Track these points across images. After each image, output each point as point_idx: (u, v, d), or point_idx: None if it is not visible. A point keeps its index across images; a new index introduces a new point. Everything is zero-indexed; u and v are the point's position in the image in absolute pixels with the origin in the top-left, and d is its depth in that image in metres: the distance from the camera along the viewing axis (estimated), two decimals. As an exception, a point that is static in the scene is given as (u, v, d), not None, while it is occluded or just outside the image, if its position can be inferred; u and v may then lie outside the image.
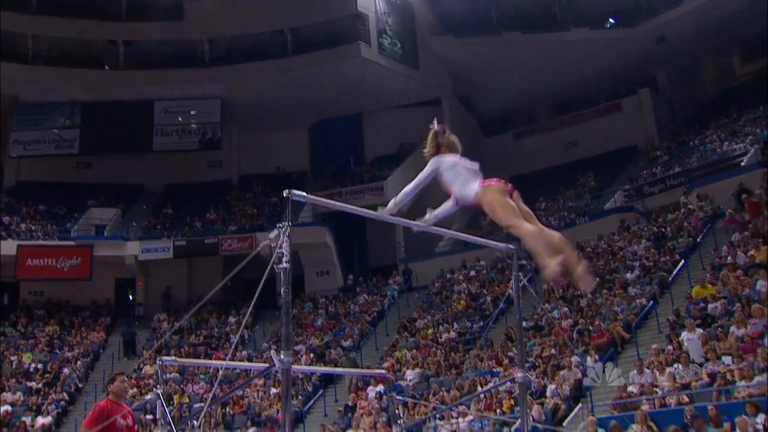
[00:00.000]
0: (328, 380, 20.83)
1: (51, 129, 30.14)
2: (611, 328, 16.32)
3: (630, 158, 28.34)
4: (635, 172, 26.58)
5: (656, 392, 13.16)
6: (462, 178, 5.50)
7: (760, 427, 10.68)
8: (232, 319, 26.05)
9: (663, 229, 20.66)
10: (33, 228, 28.08)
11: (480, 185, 5.38)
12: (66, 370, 23.37)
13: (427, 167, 5.62)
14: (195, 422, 7.02)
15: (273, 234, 5.30)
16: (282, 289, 5.28)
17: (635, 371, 13.93)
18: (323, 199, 6.44)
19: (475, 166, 5.62)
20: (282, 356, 5.15)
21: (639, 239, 20.85)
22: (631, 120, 29.83)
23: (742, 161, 21.51)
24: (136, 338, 26.06)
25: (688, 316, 14.95)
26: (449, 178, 5.54)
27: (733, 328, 13.49)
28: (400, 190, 5.97)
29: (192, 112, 30.93)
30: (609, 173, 28.09)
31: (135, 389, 21.81)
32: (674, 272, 18.07)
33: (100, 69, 30.52)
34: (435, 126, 5.81)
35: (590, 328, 16.82)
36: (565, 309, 18.66)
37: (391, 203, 5.78)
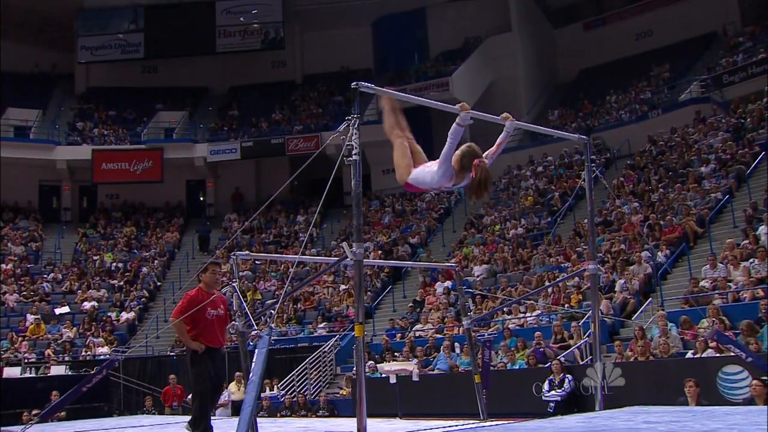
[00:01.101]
0: (396, 276, 21.20)
1: (116, 34, 30.38)
2: (683, 222, 15.95)
3: (708, 46, 26.74)
4: (714, 60, 25.16)
5: (730, 287, 12.93)
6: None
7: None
8: (300, 218, 26.56)
9: (742, 120, 19.72)
10: (105, 133, 28.86)
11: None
12: (144, 269, 24.47)
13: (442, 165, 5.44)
14: (273, 312, 7.29)
15: (342, 127, 5.27)
16: (352, 182, 5.29)
17: (708, 266, 13.67)
18: (391, 91, 6.29)
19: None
20: (354, 248, 5.20)
21: (716, 131, 20.01)
22: (711, 3, 27.96)
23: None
24: (210, 235, 27.00)
25: (766, 210, 14.44)
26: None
27: (813, 221, 13.01)
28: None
29: (254, 12, 30.59)
30: (685, 63, 26.69)
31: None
32: (753, 165, 17.36)
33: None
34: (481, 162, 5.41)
35: (661, 222, 16.47)
36: (636, 204, 18.27)
37: (462, 114, 5.48)
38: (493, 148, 5.83)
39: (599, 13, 31.68)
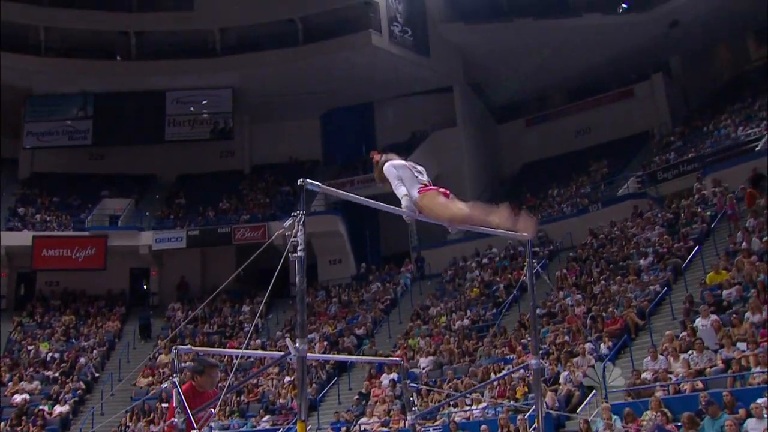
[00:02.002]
0: (342, 368, 20.92)
1: (64, 120, 30.30)
2: (625, 314, 16.30)
3: (643, 144, 28.16)
4: (648, 158, 26.41)
5: (670, 379, 13.14)
6: (408, 181, 5.81)
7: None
8: (245, 308, 26.19)
9: (677, 215, 20.55)
10: (48, 219, 28.32)
11: (418, 192, 5.74)
12: (82, 359, 23.59)
13: (388, 176, 5.86)
14: (211, 410, 7.04)
15: (287, 223, 5.32)
16: (297, 278, 5.30)
17: (649, 358, 13.91)
18: (338, 190, 6.44)
19: (422, 170, 5.95)
20: (297, 344, 5.19)
21: (652, 225, 20.76)
22: (644, 105, 29.60)
23: (756, 146, 21.32)
24: (152, 322, 26.39)
25: (703, 303, 14.88)
26: (402, 176, 5.84)
27: (748, 314, 13.42)
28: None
29: (203, 102, 30.98)
30: (622, 159, 27.93)
31: (151, 378, 22.02)
32: (688, 258, 17.99)
33: (111, 60, 30.69)
34: (375, 157, 6.11)
35: (604, 314, 16.80)
36: (579, 296, 18.63)
37: (405, 200, 5.81)
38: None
39: (541, 110, 33.16)
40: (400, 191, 5.78)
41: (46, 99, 30.30)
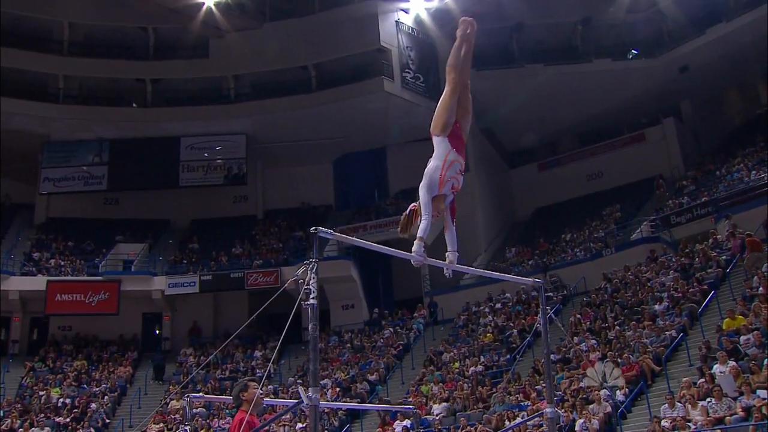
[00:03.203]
0: (354, 414, 20.69)
1: (80, 166, 30.66)
2: (640, 360, 16.08)
3: (655, 188, 28.11)
4: (661, 202, 26.35)
5: (689, 427, 12.90)
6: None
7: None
8: (257, 353, 26.07)
9: (691, 260, 20.40)
10: (62, 264, 28.48)
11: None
12: (93, 405, 23.44)
13: (425, 201, 5.95)
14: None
15: (300, 270, 5.36)
16: (309, 325, 5.32)
17: (666, 405, 13.68)
18: (350, 237, 6.53)
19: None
20: (310, 393, 5.18)
21: (667, 270, 20.59)
22: (656, 150, 29.67)
23: (770, 189, 21.25)
24: (165, 364, 26.49)
25: (720, 349, 14.68)
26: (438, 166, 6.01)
27: (767, 361, 13.21)
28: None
29: (217, 148, 31.31)
30: (634, 204, 27.88)
31: (162, 424, 21.83)
32: (704, 303, 17.80)
33: (127, 107, 31.20)
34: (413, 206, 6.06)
35: (619, 360, 16.57)
36: (593, 341, 18.42)
37: (416, 245, 5.80)
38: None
39: (553, 155, 33.27)
40: (421, 227, 5.71)
41: (63, 145, 30.74)
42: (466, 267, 7.60)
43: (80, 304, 27.29)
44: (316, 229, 5.48)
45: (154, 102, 31.03)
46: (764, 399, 12.32)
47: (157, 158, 30.65)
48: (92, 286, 27.61)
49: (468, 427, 16.28)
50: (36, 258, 28.49)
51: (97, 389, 24.69)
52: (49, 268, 28.06)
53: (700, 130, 30.83)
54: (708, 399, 13.19)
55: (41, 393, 23.99)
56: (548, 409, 7.50)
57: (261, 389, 5.87)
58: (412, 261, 5.74)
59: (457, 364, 21.08)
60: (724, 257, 19.40)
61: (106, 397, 24.23)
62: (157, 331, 29.84)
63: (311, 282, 5.32)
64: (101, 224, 31.03)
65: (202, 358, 25.74)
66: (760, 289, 16.28)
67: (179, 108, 30.50)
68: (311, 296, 5.30)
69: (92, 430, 22.23)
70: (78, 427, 22.23)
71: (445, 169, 5.81)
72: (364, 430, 19.82)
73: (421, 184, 5.83)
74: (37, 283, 27.04)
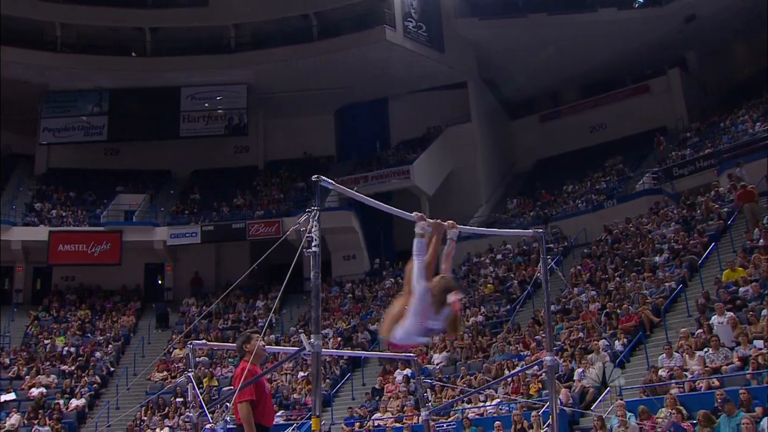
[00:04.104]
0: (355, 363, 20.95)
1: (80, 116, 30.49)
2: (640, 311, 16.20)
3: (655, 145, 27.86)
4: (664, 153, 26.19)
5: (686, 376, 13.05)
6: (409, 325, 5.29)
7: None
8: (259, 303, 26.29)
9: (692, 212, 20.39)
10: (64, 214, 28.54)
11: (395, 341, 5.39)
12: (98, 354, 23.77)
13: (420, 281, 5.32)
14: (228, 405, 7.08)
15: (302, 218, 5.35)
16: (312, 273, 5.34)
17: (664, 355, 13.82)
18: (349, 190, 6.47)
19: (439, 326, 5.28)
20: (312, 340, 5.21)
21: (668, 222, 20.61)
22: (660, 101, 29.37)
23: (774, 142, 21.11)
24: (169, 312, 26.76)
25: (718, 300, 14.77)
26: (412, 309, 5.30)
27: (765, 312, 13.29)
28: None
29: (218, 98, 31.08)
30: (637, 156, 27.74)
31: (165, 372, 22.16)
32: (704, 255, 17.84)
33: (127, 56, 30.83)
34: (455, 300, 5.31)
35: (618, 311, 16.70)
36: (593, 292, 18.54)
37: (420, 229, 5.60)
38: (445, 264, 5.78)
39: (555, 106, 32.99)
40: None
41: (62, 95, 30.52)
42: (466, 227, 7.57)
43: (83, 254, 27.43)
44: (318, 178, 5.47)
45: (154, 51, 30.67)
46: (761, 349, 12.44)
47: (157, 108, 30.45)
48: (94, 237, 27.71)
49: (468, 376, 16.51)
50: (37, 208, 28.54)
51: (101, 338, 25.00)
52: (50, 218, 28.13)
53: (705, 81, 30.47)
54: (705, 349, 13.32)
55: (46, 342, 24.32)
56: (548, 357, 7.57)
57: (263, 339, 5.99)
58: (418, 230, 5.59)
59: (457, 314, 21.22)
60: (725, 209, 19.39)
61: (110, 345, 24.55)
62: (160, 282, 30.05)
63: (313, 230, 5.32)
64: (102, 175, 31.02)
65: (204, 308, 25.97)
66: (761, 240, 16.30)
67: (179, 57, 30.14)
68: (313, 244, 5.30)
69: (97, 377, 22.57)
70: (83, 374, 22.56)
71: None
72: (365, 379, 20.09)
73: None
74: (40, 233, 27.13)
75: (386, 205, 6.46)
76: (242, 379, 5.80)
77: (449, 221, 5.95)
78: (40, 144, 30.67)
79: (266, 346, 6.81)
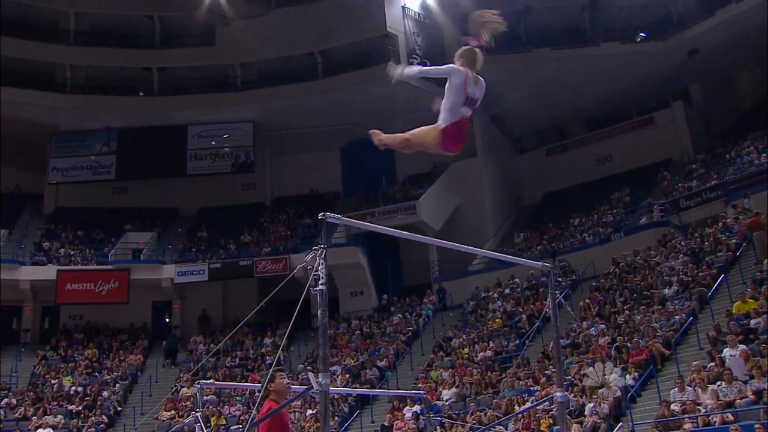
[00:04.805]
0: (364, 401, 20.75)
1: (88, 155, 30.76)
2: (650, 344, 16.05)
3: (660, 181, 27.92)
4: (671, 186, 26.21)
5: (699, 410, 12.89)
6: (451, 102, 5.54)
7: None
8: (267, 341, 26.17)
9: (701, 244, 20.31)
10: (72, 253, 28.62)
11: (445, 124, 5.54)
12: (105, 393, 23.63)
13: (443, 68, 5.62)
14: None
15: (309, 257, 5.36)
16: (318, 311, 5.33)
17: (676, 389, 13.67)
18: (357, 221, 6.50)
19: (479, 93, 5.60)
20: (320, 378, 5.19)
21: (676, 254, 20.52)
22: (665, 133, 29.47)
23: (781, 172, 21.11)
24: (178, 348, 26.76)
25: (730, 332, 14.63)
26: (447, 92, 5.57)
27: (777, 344, 13.19)
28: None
29: (225, 136, 31.33)
30: (644, 188, 27.74)
31: (173, 411, 21.99)
32: (714, 287, 17.74)
33: (135, 96, 31.22)
34: (477, 42, 5.61)
35: (628, 345, 16.56)
36: (602, 326, 18.40)
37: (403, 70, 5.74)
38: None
39: (561, 139, 33.09)
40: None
41: (72, 135, 30.83)
42: (476, 249, 7.57)
43: (90, 293, 27.46)
44: (324, 215, 5.49)
45: (161, 90, 31.04)
46: (775, 382, 12.30)
47: (164, 147, 30.70)
48: (102, 275, 27.75)
49: (478, 413, 16.33)
50: (46, 247, 28.65)
51: (108, 377, 24.87)
52: (59, 257, 28.22)
53: (709, 112, 30.59)
54: (718, 383, 13.18)
55: (53, 381, 24.20)
56: (558, 393, 7.49)
57: (287, 380, 5.96)
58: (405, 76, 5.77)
59: (466, 350, 21.11)
60: (734, 240, 19.32)
61: (117, 384, 24.40)
62: (167, 320, 29.99)
63: (320, 268, 5.33)
64: (110, 213, 31.16)
65: (212, 345, 25.86)
66: (771, 272, 16.22)
67: (186, 96, 30.51)
68: (320, 282, 5.31)
69: (104, 417, 22.40)
70: (90, 414, 22.39)
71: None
72: (374, 416, 19.89)
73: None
74: (48, 272, 27.21)
75: (394, 230, 6.48)
76: (269, 421, 5.80)
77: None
78: (49, 183, 30.90)
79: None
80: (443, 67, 5.59)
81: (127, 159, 30.66)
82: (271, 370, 6.41)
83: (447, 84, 5.52)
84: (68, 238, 29.64)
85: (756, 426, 11.26)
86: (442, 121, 5.55)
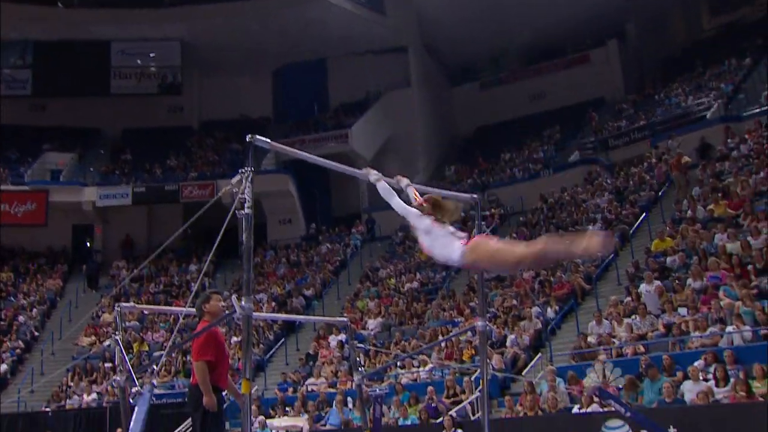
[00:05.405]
0: (289, 329, 20.79)
1: (1, 69, 28.98)
2: (572, 279, 16.47)
3: (596, 111, 28.25)
4: (601, 124, 26.59)
5: (614, 342, 13.36)
6: (439, 241, 5.05)
7: (710, 376, 10.93)
8: (192, 267, 25.77)
9: (626, 183, 20.77)
10: (-16, 172, 27.21)
11: (462, 245, 4.93)
12: (21, 318, 22.95)
13: (410, 214, 5.20)
14: (155, 367, 6.82)
15: (235, 179, 5.18)
16: (244, 235, 5.18)
17: (594, 322, 14.10)
18: (287, 147, 6.30)
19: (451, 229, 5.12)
20: (243, 302, 5.05)
21: (602, 192, 20.96)
22: (599, 72, 29.64)
23: (705, 115, 21.60)
24: (99, 272, 26.06)
25: (647, 269, 15.11)
26: (425, 243, 5.15)
27: (689, 281, 13.68)
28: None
29: (151, 55, 30.04)
30: (575, 126, 28.06)
31: (93, 337, 21.55)
32: (635, 225, 18.23)
33: (53, 6, 29.25)
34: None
35: (551, 279, 16.95)
36: (527, 260, 18.71)
37: (374, 175, 5.59)
38: None
39: (496, 73, 32.96)
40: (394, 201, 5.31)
41: (-19, 45, 28.89)
42: (407, 181, 7.39)
43: (5, 215, 26.30)
44: (252, 137, 5.26)
45: (82, 2, 29.27)
46: (684, 316, 12.81)
47: (86, 63, 29.23)
48: (17, 196, 26.58)
49: (402, 342, 16.55)
50: (-44, 165, 27.16)
51: (24, 302, 24.12)
52: (-31, 176, 26.80)
53: (643, 53, 30.90)
54: (633, 316, 13.63)
55: (-35, 304, 23.32)
56: (480, 323, 7.54)
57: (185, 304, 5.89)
58: (372, 180, 5.55)
59: (393, 281, 21.27)
60: (656, 181, 19.80)
61: (34, 309, 23.71)
62: (88, 244, 29.12)
63: (246, 191, 5.14)
64: (26, 131, 29.60)
65: (135, 271, 25.28)
66: (689, 212, 16.73)
67: (109, 9, 28.84)
68: (246, 206, 5.14)
69: (20, 342, 21.81)
70: (5, 339, 21.76)
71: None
72: (299, 344, 19.96)
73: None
74: (-42, 191, 25.85)
75: (327, 161, 6.27)
76: (203, 339, 5.91)
77: (397, 176, 5.95)
78: (-43, 97, 29.06)
79: (193, 310, 6.63)
80: (409, 209, 5.18)
81: (45, 74, 29.07)
82: (206, 291, 6.61)
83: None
84: (-20, 156, 28.13)
85: (664, 357, 11.74)
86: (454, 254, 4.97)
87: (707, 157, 19.10)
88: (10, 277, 25.45)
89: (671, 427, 9.84)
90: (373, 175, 5.64)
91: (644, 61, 30.81)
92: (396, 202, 5.32)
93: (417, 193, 5.54)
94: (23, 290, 25.00)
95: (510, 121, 30.34)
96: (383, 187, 5.48)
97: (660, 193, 19.26)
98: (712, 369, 11.00)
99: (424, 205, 5.21)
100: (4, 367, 20.45)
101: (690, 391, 10.79)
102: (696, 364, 11.16)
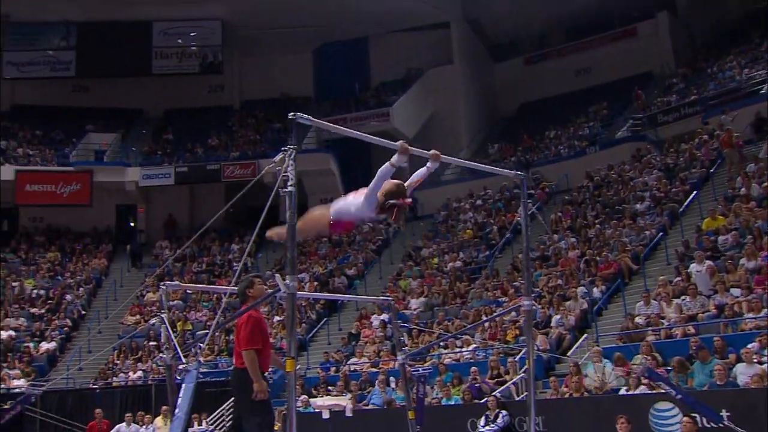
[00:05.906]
0: (332, 308, 20.78)
1: (46, 50, 29.33)
2: (619, 258, 16.07)
3: (644, 86, 27.34)
4: (649, 100, 25.78)
5: (662, 323, 13.00)
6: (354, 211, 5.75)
7: (765, 359, 10.54)
8: (235, 247, 25.90)
9: (676, 160, 20.15)
10: (31, 153, 27.63)
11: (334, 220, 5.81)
12: (68, 297, 23.35)
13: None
14: (201, 345, 6.79)
15: (278, 157, 5.06)
16: (288, 213, 5.08)
17: (642, 302, 13.74)
18: (329, 124, 6.18)
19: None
20: (287, 281, 5.00)
21: (650, 169, 20.38)
22: (647, 45, 28.64)
23: (761, 89, 20.72)
24: (143, 252, 26.62)
25: (698, 248, 14.66)
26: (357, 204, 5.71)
27: (743, 261, 13.25)
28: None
29: (192, 34, 30.05)
30: (622, 101, 27.26)
31: (138, 316, 21.83)
32: (685, 203, 17.69)
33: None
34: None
35: (598, 258, 16.57)
36: (573, 239, 18.37)
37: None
38: (412, 181, 5.94)
39: (540, 48, 32.22)
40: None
41: (27, 27, 29.19)
42: (451, 158, 7.25)
43: (51, 195, 26.74)
44: (294, 115, 5.11)
45: (124, -17, 29.37)
46: (737, 297, 12.39)
47: (128, 44, 29.34)
48: (63, 177, 26.97)
49: (445, 322, 16.38)
50: (3, 147, 27.58)
51: (71, 281, 24.55)
52: (17, 157, 27.23)
53: (694, 25, 29.72)
54: (683, 297, 13.26)
55: (14, 284, 23.78)
56: (525, 302, 7.35)
57: (234, 283, 5.83)
58: (393, 161, 5.50)
59: (436, 260, 21.07)
60: (710, 157, 19.15)
61: (81, 288, 24.12)
62: (132, 223, 29.49)
63: (289, 169, 5.01)
64: (70, 112, 29.98)
65: (178, 251, 25.53)
66: (743, 189, 16.16)
67: (150, -11, 28.92)
68: (289, 183, 5.02)
69: (68, 320, 22.21)
70: (53, 318, 22.18)
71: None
72: (342, 324, 19.94)
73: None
74: (6, 172, 26.21)
75: (367, 135, 6.13)
76: (247, 325, 5.90)
77: (433, 151, 6.00)
78: (4, 78, 29.43)
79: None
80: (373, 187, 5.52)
81: (88, 55, 29.28)
82: (249, 275, 6.55)
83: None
84: (26, 137, 28.57)
85: (715, 339, 11.38)
86: (333, 214, 5.81)
87: (763, 133, 18.40)
88: (57, 257, 25.91)
89: (723, 410, 9.54)
90: (397, 158, 5.53)
91: (695, 33, 29.65)
92: (371, 187, 5.54)
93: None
94: (70, 269, 25.43)
95: (555, 98, 29.61)
96: (386, 169, 5.47)
97: (711, 171, 18.64)
98: (767, 352, 10.61)
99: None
100: (53, 344, 20.84)
101: (743, 374, 10.45)
102: (750, 346, 10.81)
